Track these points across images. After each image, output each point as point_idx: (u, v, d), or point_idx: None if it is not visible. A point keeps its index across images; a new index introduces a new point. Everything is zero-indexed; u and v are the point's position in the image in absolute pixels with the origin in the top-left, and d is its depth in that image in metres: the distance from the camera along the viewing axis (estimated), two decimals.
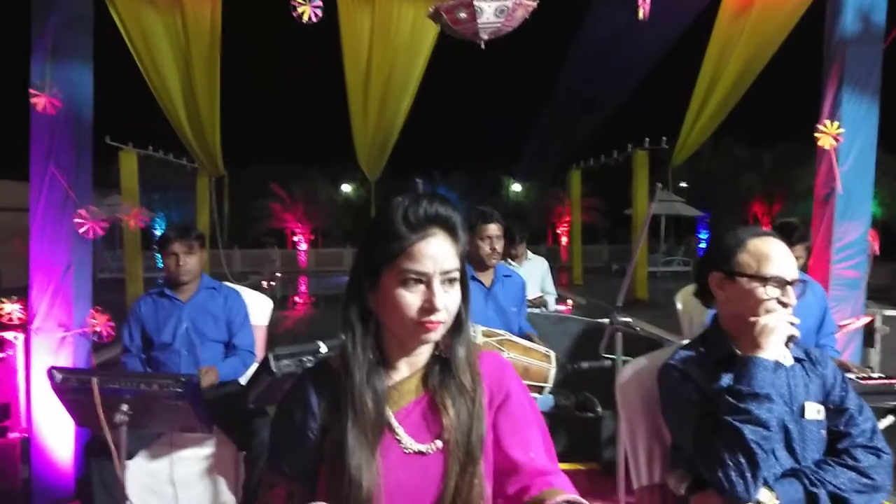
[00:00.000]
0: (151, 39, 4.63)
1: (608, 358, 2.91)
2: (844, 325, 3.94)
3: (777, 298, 1.65)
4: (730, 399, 1.56)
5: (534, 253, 5.61)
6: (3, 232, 14.10)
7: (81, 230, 3.41)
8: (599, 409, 3.19)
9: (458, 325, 1.25)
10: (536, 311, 4.74)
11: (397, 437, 1.21)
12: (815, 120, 3.94)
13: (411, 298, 1.16)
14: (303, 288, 18.60)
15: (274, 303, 3.76)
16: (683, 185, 25.93)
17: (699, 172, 25.68)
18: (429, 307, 1.16)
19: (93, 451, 2.74)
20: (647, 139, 12.37)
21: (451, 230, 1.21)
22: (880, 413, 2.86)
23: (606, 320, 2.99)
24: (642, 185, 12.80)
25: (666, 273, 19.92)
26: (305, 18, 3.74)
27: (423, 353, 1.27)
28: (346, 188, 29.89)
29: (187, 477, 2.86)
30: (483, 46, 3.93)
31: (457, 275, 1.20)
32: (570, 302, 8.39)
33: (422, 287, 1.17)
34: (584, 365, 2.88)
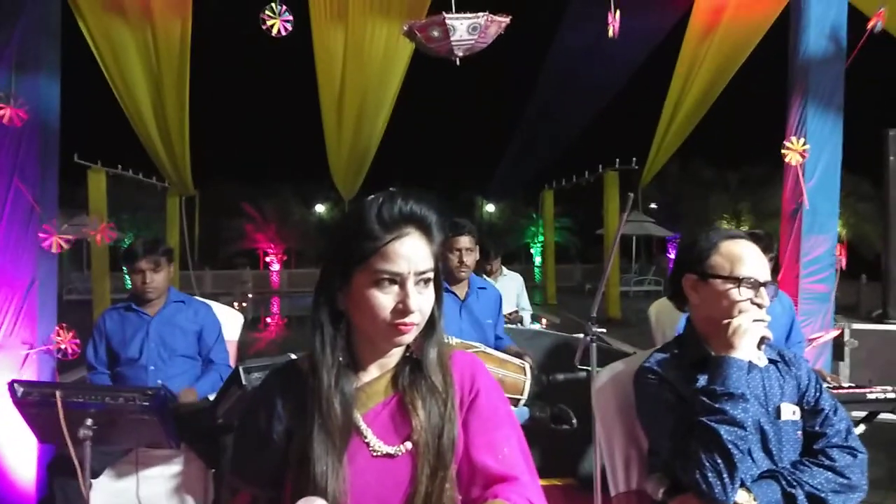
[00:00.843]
0: (121, 53, 4.58)
1: (583, 369, 2.90)
2: (814, 339, 4.00)
3: (750, 299, 1.66)
4: (704, 399, 1.56)
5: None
6: None
7: (45, 244, 3.33)
8: (574, 421, 3.17)
9: (430, 326, 1.23)
10: (512, 326, 4.73)
11: (365, 440, 1.18)
12: (779, 141, 4.03)
13: (384, 300, 1.13)
14: (275, 309, 18.38)
15: (245, 324, 3.70)
16: (653, 206, 26.31)
17: (668, 193, 26.08)
18: (402, 308, 1.13)
19: (56, 469, 2.65)
20: (617, 160, 12.59)
21: (425, 229, 1.18)
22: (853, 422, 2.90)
23: (581, 335, 2.99)
24: (613, 204, 12.98)
25: (638, 292, 20.07)
26: (275, 32, 3.74)
27: (395, 355, 1.24)
28: (320, 208, 29.72)
29: (155, 497, 2.78)
30: (458, 63, 3.96)
31: (431, 275, 1.18)
32: (544, 321, 8.43)
33: (395, 288, 1.14)
34: (560, 377, 2.87)
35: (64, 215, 3.51)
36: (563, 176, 15.21)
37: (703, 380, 1.64)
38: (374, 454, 1.17)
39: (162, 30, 4.63)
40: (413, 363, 1.23)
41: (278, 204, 27.14)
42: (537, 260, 25.75)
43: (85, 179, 10.76)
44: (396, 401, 1.21)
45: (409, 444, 1.18)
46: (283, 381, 1.23)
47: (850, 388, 2.93)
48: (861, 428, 2.86)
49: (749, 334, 1.61)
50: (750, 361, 1.60)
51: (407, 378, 1.22)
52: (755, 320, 1.62)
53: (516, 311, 5.18)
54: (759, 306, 1.66)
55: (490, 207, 29.34)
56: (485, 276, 5.11)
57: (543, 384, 2.92)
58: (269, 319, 16.01)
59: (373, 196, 1.19)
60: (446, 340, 1.30)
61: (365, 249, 1.14)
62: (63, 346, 3.42)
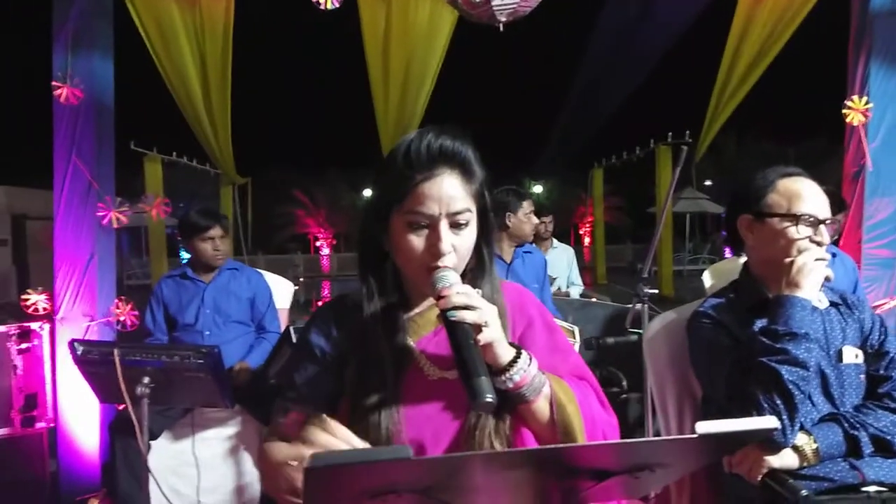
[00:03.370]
0: (170, 36, 4.64)
1: (635, 332, 2.84)
2: (878, 306, 3.84)
3: (809, 237, 1.59)
4: (765, 340, 1.50)
5: None
6: (34, 241, 14.34)
7: (105, 220, 3.43)
8: (625, 383, 3.13)
9: (480, 264, 1.21)
10: (562, 298, 4.68)
11: (420, 365, 1.18)
12: (840, 112, 3.86)
13: (416, 242, 1.11)
14: (325, 292, 18.68)
15: (297, 306, 3.76)
16: (708, 182, 25.66)
17: (724, 169, 25.40)
18: (434, 252, 1.10)
19: (116, 430, 2.74)
20: (670, 134, 12.20)
21: (461, 167, 1.14)
22: None
23: (629, 306, 2.93)
24: (665, 181, 12.58)
25: (692, 271, 19.67)
26: (328, 6, 3.75)
27: None
28: (368, 193, 30.02)
29: (212, 457, 2.85)
30: (501, 29, 3.90)
31: (468, 217, 1.13)
32: (594, 300, 8.31)
33: (427, 231, 1.12)
34: (610, 340, 2.82)
35: (129, 205, 3.60)
36: (612, 153, 14.85)
37: (761, 323, 1.59)
38: (430, 377, 1.17)
39: (207, 12, 4.68)
40: None
41: (328, 190, 27.51)
42: (586, 240, 25.42)
43: (142, 168, 11.06)
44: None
45: None
46: (336, 312, 1.24)
47: None
48: None
49: (814, 273, 1.54)
50: (812, 303, 1.54)
51: None
52: (817, 259, 1.55)
53: (562, 291, 5.06)
54: (819, 244, 1.59)
55: (538, 188, 29.09)
56: (538, 242, 5.04)
57: (593, 347, 2.87)
58: (319, 303, 16.28)
59: (404, 139, 1.16)
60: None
61: (397, 191, 1.12)
62: (122, 318, 3.53)
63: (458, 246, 1.12)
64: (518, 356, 1.07)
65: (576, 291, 5.33)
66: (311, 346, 1.22)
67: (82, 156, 3.46)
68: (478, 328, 1.01)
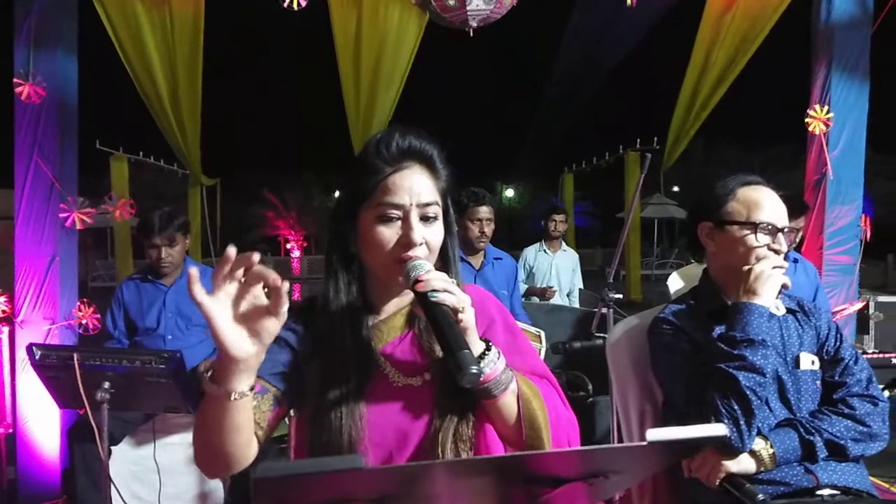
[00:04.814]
0: (137, 35, 4.57)
1: (600, 337, 2.86)
2: (838, 311, 3.92)
3: (768, 245, 1.62)
4: (723, 346, 1.52)
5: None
6: None
7: (67, 221, 3.37)
8: (590, 387, 3.15)
9: (445, 264, 1.22)
10: (531, 301, 4.69)
11: (385, 372, 1.18)
12: (803, 121, 3.94)
13: (388, 234, 1.12)
14: (295, 295, 18.53)
15: None
16: (676, 188, 26.05)
17: (692, 176, 25.80)
18: (406, 242, 1.11)
19: (76, 435, 2.69)
20: (638, 140, 12.37)
21: (427, 163, 1.17)
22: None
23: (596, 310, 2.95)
24: (634, 186, 12.73)
25: (660, 276, 19.91)
26: (295, 5, 3.73)
27: (409, 294, 1.23)
28: (338, 195, 29.88)
29: (173, 463, 2.80)
30: (471, 34, 3.92)
31: (436, 211, 1.16)
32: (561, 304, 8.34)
33: (399, 222, 1.13)
34: (577, 345, 2.83)
35: (91, 206, 3.53)
36: (583, 159, 14.99)
37: (720, 330, 1.61)
38: (395, 384, 1.17)
39: (177, 11, 4.62)
40: None
41: (298, 191, 27.34)
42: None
43: (108, 169, 10.87)
44: (413, 335, 1.21)
45: (427, 375, 1.18)
46: (304, 314, 1.23)
47: (874, 353, 2.87)
48: (885, 394, 2.80)
49: (771, 281, 1.57)
50: (769, 310, 1.56)
51: (422, 321, 1.20)
52: (775, 267, 1.58)
53: (552, 289, 5.00)
54: (777, 252, 1.62)
55: (509, 192, 29.23)
56: (548, 241, 5.04)
57: (560, 351, 2.89)
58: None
59: (373, 136, 1.19)
60: None
61: (367, 185, 1.14)
62: (84, 322, 3.46)
63: (428, 240, 1.14)
64: (488, 349, 1.08)
65: (577, 294, 5.33)
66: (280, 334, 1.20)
67: (44, 155, 3.40)
68: (456, 312, 1.02)
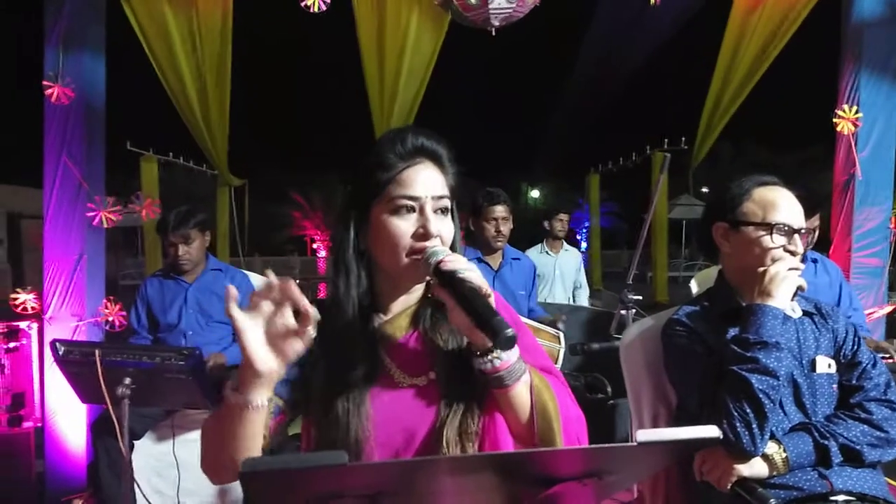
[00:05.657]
0: (165, 37, 4.64)
1: (619, 338, 2.84)
2: (868, 314, 3.84)
3: (784, 246, 1.59)
4: (736, 348, 1.50)
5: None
6: (29, 240, 14.33)
7: (95, 220, 3.43)
8: (609, 389, 3.13)
9: None
10: (550, 302, 4.67)
11: (390, 373, 1.18)
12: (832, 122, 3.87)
13: (404, 226, 1.14)
14: (321, 294, 18.62)
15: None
16: (705, 189, 25.70)
17: (720, 176, 25.45)
18: (423, 233, 1.13)
19: (99, 430, 2.74)
20: (666, 140, 12.22)
21: (437, 160, 1.20)
22: None
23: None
24: (662, 187, 12.58)
25: (687, 277, 19.67)
26: (315, 9, 3.76)
27: (416, 292, 1.24)
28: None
29: (193, 458, 2.83)
30: (493, 33, 3.92)
31: (448, 204, 1.18)
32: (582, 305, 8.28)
33: (414, 215, 1.15)
34: (595, 346, 2.81)
35: (119, 205, 3.60)
36: (609, 159, 14.87)
37: (733, 331, 1.59)
38: (400, 385, 1.18)
39: (204, 14, 4.68)
40: (434, 305, 1.23)
41: (325, 192, 27.50)
42: (583, 245, 25.43)
43: (138, 170, 11.04)
44: (418, 335, 1.22)
45: (432, 375, 1.18)
46: None
47: None
48: None
49: (786, 282, 1.55)
50: (784, 312, 1.54)
51: (428, 319, 1.22)
52: (791, 269, 1.56)
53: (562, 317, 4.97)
54: (793, 254, 1.59)
55: (535, 193, 29.11)
56: (550, 241, 5.01)
57: (578, 352, 2.87)
58: None
59: (384, 133, 1.22)
60: None
61: (381, 179, 1.16)
62: (111, 319, 3.53)
63: (442, 233, 1.15)
64: None
65: (584, 295, 5.31)
66: None
67: (73, 156, 3.46)
68: (482, 289, 1.04)
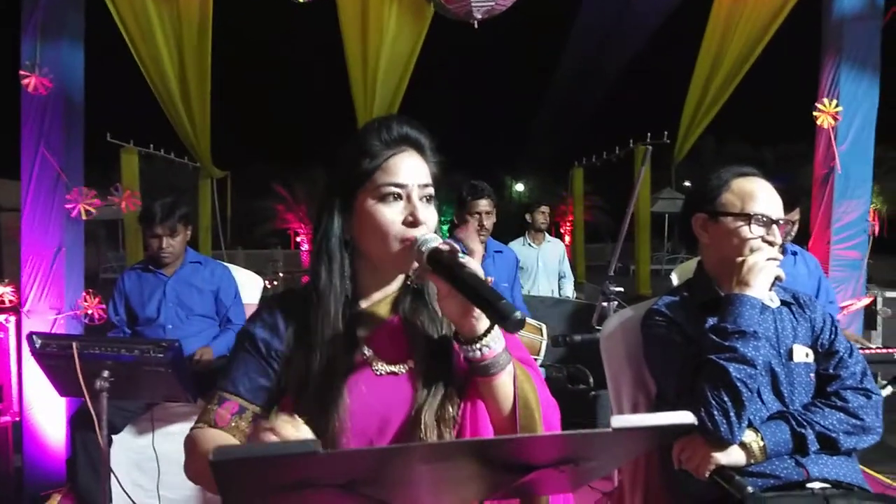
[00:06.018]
0: (146, 28, 4.59)
1: (601, 330, 2.85)
2: (845, 306, 3.89)
3: (762, 237, 1.61)
4: (714, 337, 1.51)
5: None
6: (8, 232, 14.11)
7: (73, 212, 3.39)
8: (591, 380, 3.14)
9: None
10: (533, 295, 4.69)
11: (368, 361, 1.18)
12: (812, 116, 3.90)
13: (392, 214, 1.14)
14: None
15: None
16: (687, 183, 25.88)
17: (702, 170, 25.61)
18: (413, 220, 1.13)
19: (77, 424, 2.71)
20: (649, 134, 12.27)
21: (421, 149, 1.20)
22: (881, 384, 2.82)
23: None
24: (644, 180, 12.65)
25: (670, 270, 19.78)
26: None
27: (396, 282, 1.25)
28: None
29: (173, 452, 2.81)
30: (476, 26, 3.91)
31: (433, 192, 1.19)
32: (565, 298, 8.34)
33: (401, 202, 1.15)
34: (577, 338, 2.82)
35: (99, 197, 3.55)
36: (592, 153, 14.92)
37: (712, 321, 1.60)
38: (378, 373, 1.17)
39: (185, 4, 4.63)
40: (414, 292, 1.23)
41: (308, 184, 27.40)
42: (566, 239, 25.53)
43: (118, 162, 10.91)
44: (397, 323, 1.21)
45: (410, 363, 1.18)
46: (286, 306, 1.23)
47: (878, 349, 2.84)
48: (889, 390, 2.78)
49: (764, 272, 1.56)
50: (762, 302, 1.55)
51: (408, 306, 1.22)
52: (769, 259, 1.57)
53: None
54: (771, 244, 1.60)
55: (519, 186, 29.16)
56: (532, 234, 5.03)
57: (560, 344, 2.89)
58: None
59: (368, 122, 1.22)
60: None
61: (367, 167, 1.16)
62: (90, 312, 3.49)
63: (429, 221, 1.15)
64: (491, 327, 1.09)
65: (569, 284, 5.35)
66: (254, 339, 1.21)
67: (51, 147, 3.42)
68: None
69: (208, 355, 3.06)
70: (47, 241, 3.43)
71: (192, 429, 1.18)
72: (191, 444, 1.15)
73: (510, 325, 0.94)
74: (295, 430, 0.89)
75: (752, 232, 1.61)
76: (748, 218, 1.62)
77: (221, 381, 1.21)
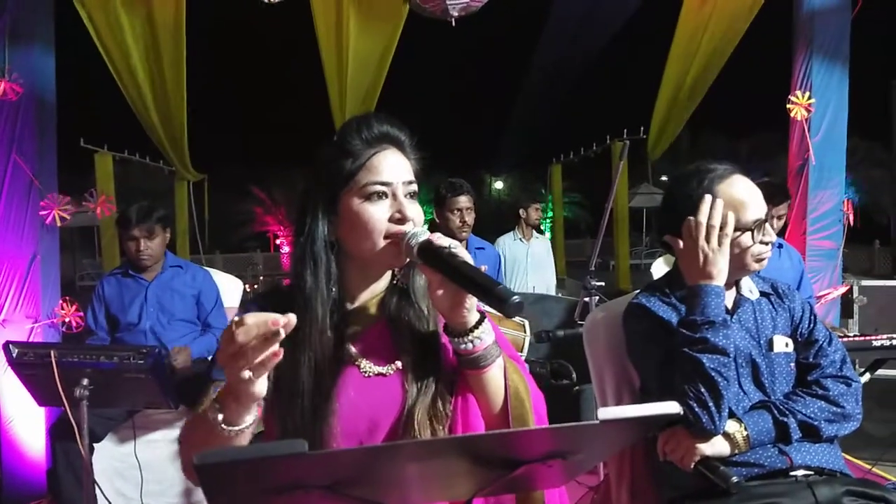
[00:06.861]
0: (117, 33, 4.54)
1: (584, 324, 2.86)
2: (822, 296, 3.94)
3: (761, 241, 1.61)
4: (684, 331, 1.52)
5: None
6: None
7: (48, 218, 3.34)
8: (574, 376, 3.16)
9: None
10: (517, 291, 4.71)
11: (356, 363, 1.17)
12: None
13: (378, 212, 1.14)
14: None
15: None
16: (664, 178, 26.08)
17: (679, 165, 25.82)
18: (400, 217, 1.14)
19: (58, 433, 2.67)
20: (626, 130, 12.36)
21: (401, 147, 1.20)
22: (859, 371, 2.86)
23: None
24: (622, 175, 12.74)
25: (649, 265, 19.90)
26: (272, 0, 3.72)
27: (382, 281, 1.24)
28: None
29: (155, 460, 2.79)
30: (453, 24, 3.91)
31: (416, 189, 1.19)
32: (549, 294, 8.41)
33: (387, 200, 1.15)
34: (560, 333, 2.84)
35: (74, 203, 3.51)
36: (570, 149, 15.00)
37: None
38: (366, 375, 1.17)
39: (158, 8, 4.58)
40: (400, 291, 1.23)
41: (287, 186, 27.25)
42: (546, 235, 25.61)
43: (93, 167, 10.76)
44: (384, 323, 1.21)
45: (398, 364, 1.17)
46: (273, 303, 1.20)
47: (854, 336, 2.88)
48: (867, 377, 2.82)
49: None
50: (741, 295, 1.57)
51: (395, 305, 1.21)
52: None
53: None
54: (767, 244, 1.62)
55: (498, 184, 29.23)
56: (524, 229, 5.06)
57: (543, 339, 2.89)
58: None
59: (347, 121, 1.22)
60: None
61: (350, 168, 1.15)
62: (67, 320, 3.44)
63: (415, 217, 1.16)
64: (481, 321, 1.10)
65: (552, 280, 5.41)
66: None
67: (23, 153, 3.37)
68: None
69: (185, 355, 3.03)
70: (22, 249, 3.37)
71: (186, 421, 1.18)
72: (185, 432, 1.16)
73: (509, 307, 0.94)
74: (255, 317, 0.90)
75: (755, 239, 1.61)
76: (748, 228, 1.60)
77: (214, 372, 1.18)
